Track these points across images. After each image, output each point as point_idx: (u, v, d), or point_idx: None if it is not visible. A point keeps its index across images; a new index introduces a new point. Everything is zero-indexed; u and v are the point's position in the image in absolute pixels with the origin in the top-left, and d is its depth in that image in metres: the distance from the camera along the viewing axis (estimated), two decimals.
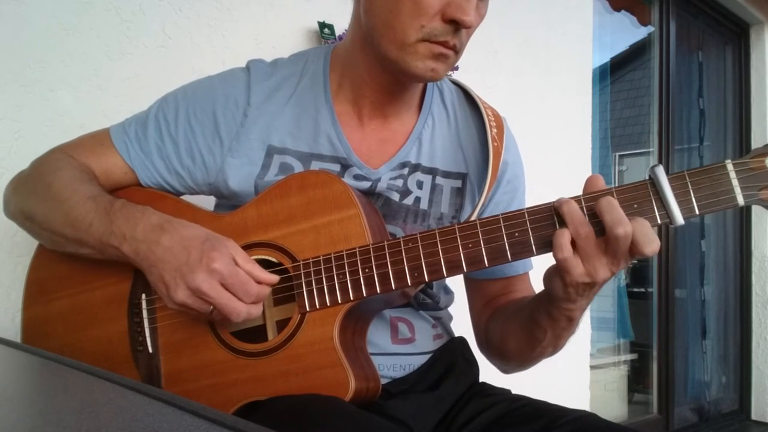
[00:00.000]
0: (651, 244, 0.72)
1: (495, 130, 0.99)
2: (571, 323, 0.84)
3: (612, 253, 0.73)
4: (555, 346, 0.89)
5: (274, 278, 0.83)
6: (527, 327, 0.88)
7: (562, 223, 0.75)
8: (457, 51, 0.87)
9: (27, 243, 0.99)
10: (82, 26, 1.32)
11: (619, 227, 0.71)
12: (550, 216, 0.77)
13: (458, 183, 0.99)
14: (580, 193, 0.77)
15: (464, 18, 0.82)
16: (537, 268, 0.89)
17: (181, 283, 0.79)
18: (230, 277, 0.78)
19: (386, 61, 0.88)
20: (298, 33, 1.69)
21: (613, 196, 0.75)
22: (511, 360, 0.97)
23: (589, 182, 0.78)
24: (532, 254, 0.78)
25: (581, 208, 0.75)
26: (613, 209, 0.72)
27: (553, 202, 0.77)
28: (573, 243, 0.74)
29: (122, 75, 1.38)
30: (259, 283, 0.81)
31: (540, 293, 0.86)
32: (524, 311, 0.90)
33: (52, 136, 1.26)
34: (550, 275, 0.79)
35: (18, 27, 1.24)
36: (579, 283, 0.75)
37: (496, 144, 0.98)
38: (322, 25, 1.69)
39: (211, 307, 0.79)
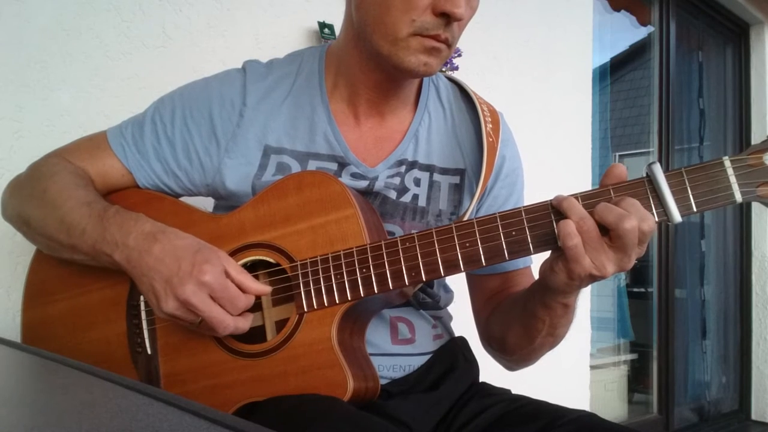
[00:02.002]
0: (647, 220, 0.72)
1: (490, 126, 0.99)
2: (568, 309, 0.83)
3: (622, 248, 0.72)
4: (554, 336, 0.88)
5: (266, 289, 0.83)
6: (524, 319, 0.88)
7: (560, 221, 0.74)
8: (450, 44, 0.87)
9: (27, 243, 1.00)
10: (82, 26, 1.32)
11: (626, 221, 0.70)
12: (547, 214, 0.77)
13: (456, 179, 0.99)
14: (581, 193, 0.77)
15: (455, 11, 0.82)
16: (537, 261, 0.89)
17: (170, 294, 0.78)
18: (220, 290, 0.78)
19: (379, 57, 0.88)
20: (298, 33, 1.69)
21: (610, 194, 0.75)
22: (513, 354, 0.97)
23: (611, 172, 0.77)
24: (529, 253, 0.78)
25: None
26: (612, 209, 0.72)
27: (550, 200, 0.77)
28: None
29: (122, 75, 1.38)
30: (250, 293, 0.81)
31: (534, 284, 0.86)
32: (520, 303, 0.90)
33: (52, 136, 1.26)
34: (551, 266, 0.77)
35: (18, 27, 1.24)
36: (586, 275, 0.74)
37: (491, 139, 0.98)
38: (322, 25, 1.69)
39: (200, 318, 0.79)
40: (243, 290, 0.81)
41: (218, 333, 0.81)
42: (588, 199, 0.75)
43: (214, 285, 0.78)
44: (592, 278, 0.75)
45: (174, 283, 0.78)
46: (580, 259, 0.73)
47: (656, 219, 0.74)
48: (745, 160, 0.73)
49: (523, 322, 0.89)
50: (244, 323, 0.82)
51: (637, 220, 0.71)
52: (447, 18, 0.83)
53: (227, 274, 0.80)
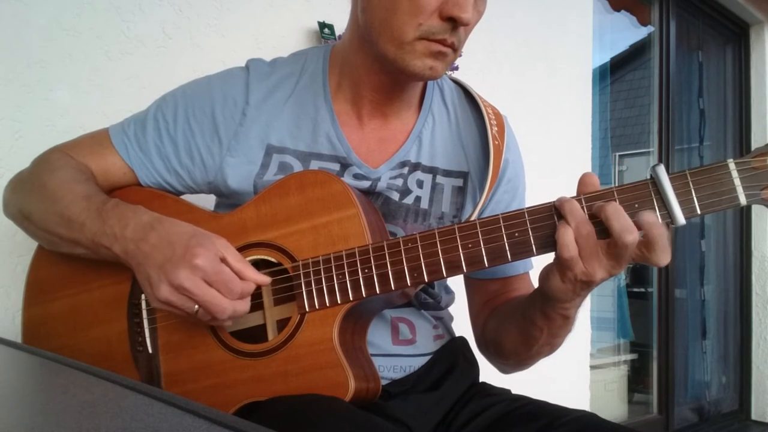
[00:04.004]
0: (667, 257, 0.72)
1: (496, 129, 0.99)
2: (567, 321, 0.83)
3: (615, 257, 0.73)
4: (552, 345, 0.88)
5: (265, 279, 0.82)
6: (523, 326, 0.88)
7: (563, 223, 0.75)
8: (456, 49, 0.86)
9: (27, 243, 1.00)
10: (82, 26, 1.32)
11: (629, 235, 0.70)
12: (550, 216, 0.77)
13: (459, 182, 0.99)
14: (585, 195, 0.77)
15: (462, 15, 0.82)
16: (537, 267, 0.89)
17: (164, 279, 0.77)
18: (213, 273, 0.77)
19: (384, 60, 0.88)
20: (298, 33, 1.69)
21: (614, 196, 0.75)
22: (508, 359, 0.97)
23: (583, 181, 0.77)
24: (532, 254, 0.78)
25: (582, 208, 0.75)
26: (620, 216, 0.71)
27: (554, 201, 0.77)
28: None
29: (122, 75, 1.38)
30: (249, 281, 0.80)
31: (534, 292, 0.85)
32: (519, 310, 0.90)
33: (52, 136, 1.26)
34: (547, 273, 0.78)
35: (18, 27, 1.24)
36: (578, 281, 0.74)
37: (497, 142, 0.98)
38: (322, 25, 1.69)
39: (196, 306, 0.78)
40: (241, 279, 0.80)
41: (217, 318, 0.79)
42: (591, 201, 0.75)
43: (207, 268, 0.77)
44: (583, 284, 0.75)
45: (167, 269, 0.77)
46: (573, 267, 0.73)
47: (660, 221, 0.74)
48: (750, 163, 0.73)
49: (522, 330, 0.89)
50: (243, 306, 0.80)
51: (638, 235, 0.71)
52: (454, 23, 0.82)
53: (225, 261, 0.79)
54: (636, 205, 0.74)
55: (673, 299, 3.46)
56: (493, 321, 1.00)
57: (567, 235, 0.73)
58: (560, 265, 0.75)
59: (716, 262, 4.00)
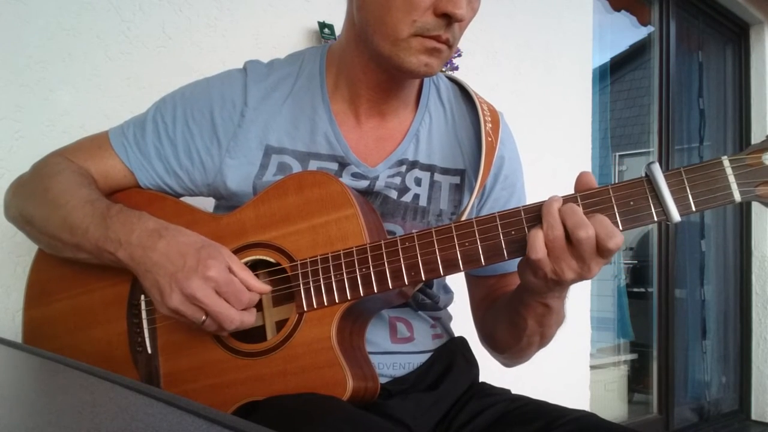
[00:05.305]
0: (613, 238, 0.72)
1: (490, 125, 1.00)
2: (549, 310, 0.84)
3: (579, 257, 0.73)
4: (542, 336, 0.89)
5: (266, 288, 0.83)
6: (510, 317, 0.90)
7: (531, 230, 0.76)
8: (451, 45, 0.87)
9: (27, 244, 1.00)
10: (82, 26, 1.32)
11: (580, 230, 0.71)
12: None
13: (456, 179, 0.99)
14: (581, 193, 0.77)
15: (456, 11, 0.82)
16: None
17: (176, 288, 0.79)
18: (225, 284, 0.79)
19: (380, 57, 0.88)
20: (298, 33, 1.69)
21: (610, 194, 0.75)
22: (504, 351, 0.99)
23: (579, 181, 0.78)
24: None
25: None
26: (574, 213, 0.73)
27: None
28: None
29: (122, 75, 1.38)
30: (251, 290, 0.81)
31: (519, 284, 0.87)
32: (506, 302, 0.92)
33: (52, 136, 1.26)
34: (522, 266, 0.79)
35: (18, 27, 1.24)
36: (549, 279, 0.76)
37: (490, 139, 0.98)
38: (322, 25, 1.69)
39: (204, 316, 0.79)
40: (248, 289, 0.81)
41: (224, 328, 0.80)
42: (587, 199, 0.76)
43: (219, 279, 0.78)
44: (554, 282, 0.76)
45: (179, 278, 0.79)
46: (542, 266, 0.75)
47: (656, 218, 0.74)
48: (744, 159, 0.73)
49: (509, 321, 0.91)
50: (249, 317, 0.82)
51: (592, 230, 0.71)
52: (448, 19, 0.83)
53: (231, 271, 0.80)
54: (631, 203, 0.75)
55: (673, 299, 3.46)
56: (488, 315, 1.01)
57: (537, 237, 0.74)
58: (530, 264, 0.76)
59: (716, 262, 4.00)
